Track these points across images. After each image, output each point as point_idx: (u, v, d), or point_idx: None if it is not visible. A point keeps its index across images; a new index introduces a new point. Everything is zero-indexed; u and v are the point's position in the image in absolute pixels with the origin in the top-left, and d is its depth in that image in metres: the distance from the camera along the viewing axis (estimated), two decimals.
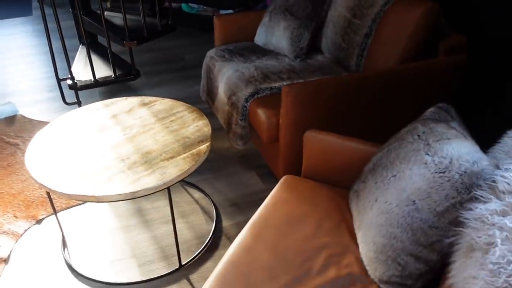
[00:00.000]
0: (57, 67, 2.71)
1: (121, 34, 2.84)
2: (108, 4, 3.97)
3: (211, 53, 2.56)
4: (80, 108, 2.05)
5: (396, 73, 1.99)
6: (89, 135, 1.85)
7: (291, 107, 1.86)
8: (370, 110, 2.01)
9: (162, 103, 2.06)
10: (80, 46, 3.28)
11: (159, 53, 3.79)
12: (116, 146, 1.76)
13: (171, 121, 1.92)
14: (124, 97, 2.11)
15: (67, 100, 2.85)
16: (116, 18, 3.12)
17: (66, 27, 4.19)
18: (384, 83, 1.99)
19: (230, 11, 4.09)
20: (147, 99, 2.10)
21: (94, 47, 3.26)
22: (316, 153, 1.59)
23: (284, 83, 2.16)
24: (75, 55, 3.17)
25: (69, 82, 2.77)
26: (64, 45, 2.64)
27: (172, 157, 1.69)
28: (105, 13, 3.36)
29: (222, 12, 4.11)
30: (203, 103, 3.00)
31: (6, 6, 4.90)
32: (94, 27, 3.04)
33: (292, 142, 1.95)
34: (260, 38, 2.59)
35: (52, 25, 4.03)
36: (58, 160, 1.69)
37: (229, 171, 2.39)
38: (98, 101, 3.13)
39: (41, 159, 1.70)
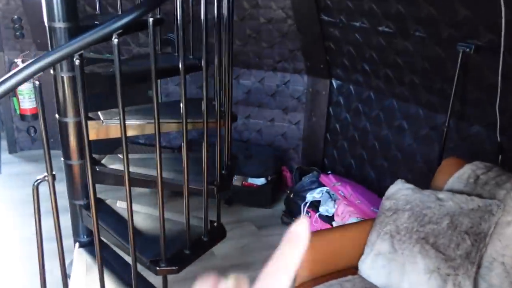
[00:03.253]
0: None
1: (149, 250, 1.90)
2: (119, 204, 2.90)
3: None
4: None
5: None
6: None
7: None
8: None
9: None
10: (77, 247, 2.29)
11: None
12: None
13: None
14: None
15: None
16: (139, 214, 2.20)
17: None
18: None
19: (263, 180, 3.29)
20: None
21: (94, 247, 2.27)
22: None
23: None
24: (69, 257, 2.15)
25: None
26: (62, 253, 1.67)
27: None
28: (118, 203, 2.44)
29: (251, 180, 3.30)
30: None
31: None
32: (104, 231, 2.10)
33: None
34: (374, 273, 1.72)
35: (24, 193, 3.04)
36: None
37: None
38: None
39: None
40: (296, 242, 0.30)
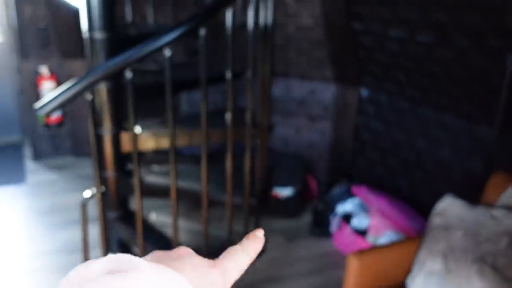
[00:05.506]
0: None
1: None
2: (154, 216, 2.62)
3: None
4: None
5: None
6: None
7: None
8: None
9: None
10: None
11: None
12: None
13: None
14: None
15: None
16: (178, 229, 2.15)
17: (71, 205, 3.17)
18: None
19: (288, 189, 3.24)
20: None
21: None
22: None
23: None
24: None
25: None
26: None
27: None
28: (152, 215, 2.39)
29: (276, 190, 3.25)
30: None
31: None
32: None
33: None
34: None
35: (59, 219, 2.99)
36: None
37: None
38: None
39: None
40: (255, 240, 0.35)
